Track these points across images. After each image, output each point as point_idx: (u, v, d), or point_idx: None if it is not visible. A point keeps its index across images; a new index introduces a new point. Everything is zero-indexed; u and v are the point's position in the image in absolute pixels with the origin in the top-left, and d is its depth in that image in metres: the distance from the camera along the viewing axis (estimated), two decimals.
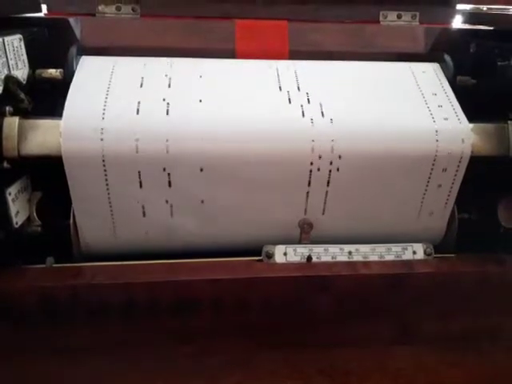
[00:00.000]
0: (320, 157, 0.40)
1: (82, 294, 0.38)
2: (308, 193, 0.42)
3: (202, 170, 0.40)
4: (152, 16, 0.51)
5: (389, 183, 0.43)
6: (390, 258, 0.43)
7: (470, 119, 0.43)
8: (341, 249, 0.43)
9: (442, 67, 0.48)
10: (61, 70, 0.44)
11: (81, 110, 0.39)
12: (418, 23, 0.55)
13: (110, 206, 0.41)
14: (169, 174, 0.40)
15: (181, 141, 0.39)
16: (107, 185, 0.40)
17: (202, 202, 0.42)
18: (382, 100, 0.44)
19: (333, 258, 0.42)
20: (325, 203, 0.43)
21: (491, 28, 0.51)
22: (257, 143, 0.40)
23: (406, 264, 0.42)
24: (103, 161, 0.39)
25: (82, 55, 0.45)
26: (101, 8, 0.51)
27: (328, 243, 0.43)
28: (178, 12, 0.52)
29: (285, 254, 0.42)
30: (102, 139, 0.38)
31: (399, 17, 0.55)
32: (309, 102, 0.42)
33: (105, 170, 0.39)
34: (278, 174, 0.41)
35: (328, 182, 0.42)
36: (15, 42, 0.41)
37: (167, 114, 0.40)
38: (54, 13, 0.51)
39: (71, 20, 0.47)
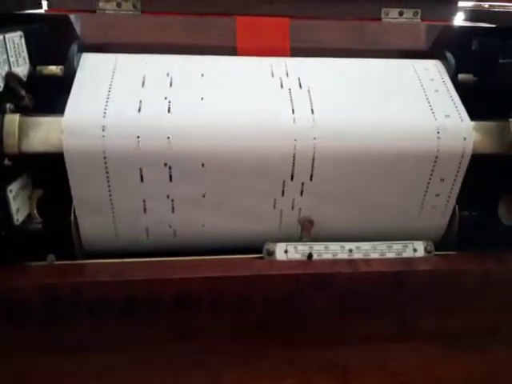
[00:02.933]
0: (317, 154, 0.40)
1: (84, 292, 0.38)
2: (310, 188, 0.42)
3: (203, 165, 0.40)
4: (153, 12, 0.51)
5: (390, 181, 0.43)
6: (390, 255, 0.43)
7: (472, 117, 0.43)
8: (341, 246, 0.43)
9: (443, 64, 0.48)
10: (61, 66, 0.43)
11: (82, 107, 0.39)
12: (419, 20, 0.55)
13: (111, 203, 0.41)
14: (170, 170, 0.40)
15: (182, 137, 0.39)
16: (108, 182, 0.40)
17: (204, 196, 0.42)
18: (383, 97, 0.44)
19: (333, 255, 0.42)
20: (324, 200, 0.43)
21: (493, 25, 0.51)
22: (255, 141, 0.40)
23: (406, 262, 0.42)
24: (104, 158, 0.39)
25: (82, 52, 0.45)
26: (101, 4, 0.51)
27: (329, 241, 0.43)
28: (179, 8, 0.51)
29: (286, 251, 0.42)
30: (103, 136, 0.38)
31: (401, 14, 0.55)
32: (310, 98, 0.42)
33: (106, 167, 0.39)
34: (276, 171, 0.41)
35: (327, 180, 0.42)
36: (16, 39, 0.41)
37: (169, 111, 0.40)
38: (55, 9, 0.51)
39: (72, 16, 0.47)
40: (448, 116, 0.42)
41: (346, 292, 0.41)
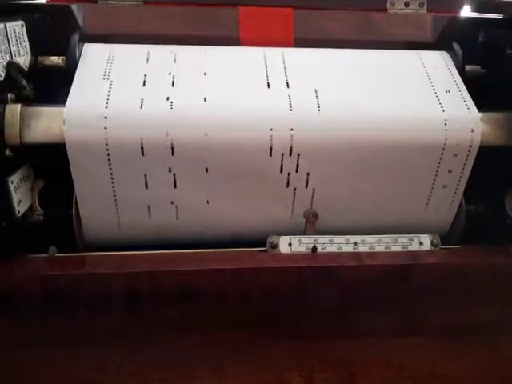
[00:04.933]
0: (322, 146, 0.40)
1: (85, 284, 0.38)
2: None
3: (205, 168, 0.40)
4: (155, 3, 0.50)
5: (396, 173, 0.42)
6: (396, 249, 0.42)
7: (479, 108, 0.42)
8: (346, 240, 0.42)
9: (450, 56, 0.47)
10: (63, 57, 0.43)
11: (84, 98, 0.39)
12: (425, 11, 0.54)
13: (114, 195, 0.40)
14: (172, 162, 0.39)
15: (183, 127, 0.39)
16: (111, 173, 0.39)
17: (206, 200, 0.41)
18: (389, 88, 0.43)
19: (338, 248, 0.42)
20: (329, 193, 0.42)
21: (500, 16, 0.50)
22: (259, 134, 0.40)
23: (412, 255, 0.42)
24: (107, 149, 0.38)
25: (84, 42, 0.44)
26: None
27: (334, 234, 0.42)
28: None
29: (290, 244, 0.42)
30: (105, 127, 0.38)
31: (407, 5, 0.54)
32: (316, 92, 0.42)
33: (109, 158, 0.39)
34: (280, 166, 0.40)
35: (331, 172, 0.41)
36: (17, 29, 0.40)
37: (171, 103, 0.39)
38: None
39: (73, 7, 0.47)
40: (455, 107, 0.42)
41: (351, 285, 0.41)
